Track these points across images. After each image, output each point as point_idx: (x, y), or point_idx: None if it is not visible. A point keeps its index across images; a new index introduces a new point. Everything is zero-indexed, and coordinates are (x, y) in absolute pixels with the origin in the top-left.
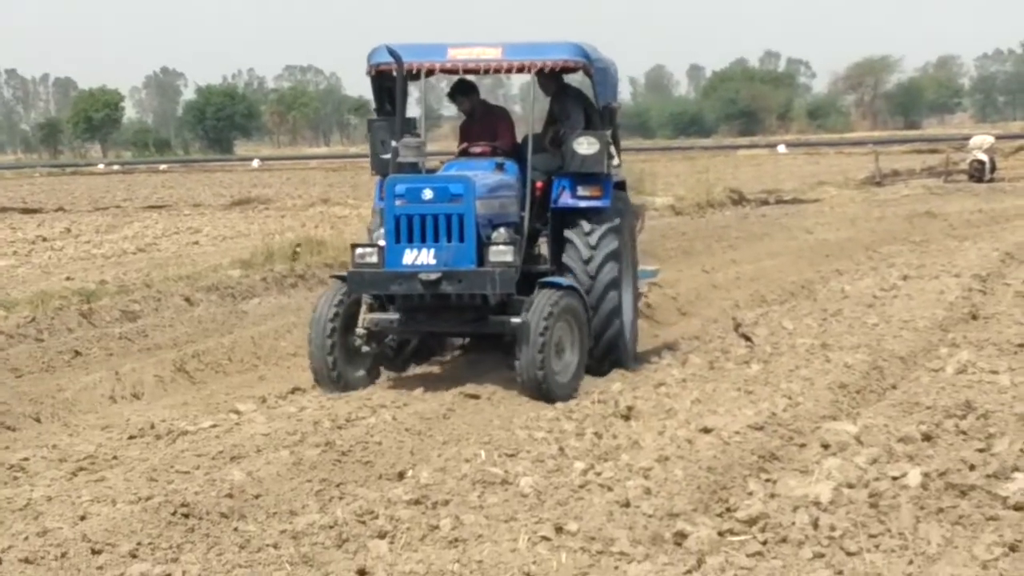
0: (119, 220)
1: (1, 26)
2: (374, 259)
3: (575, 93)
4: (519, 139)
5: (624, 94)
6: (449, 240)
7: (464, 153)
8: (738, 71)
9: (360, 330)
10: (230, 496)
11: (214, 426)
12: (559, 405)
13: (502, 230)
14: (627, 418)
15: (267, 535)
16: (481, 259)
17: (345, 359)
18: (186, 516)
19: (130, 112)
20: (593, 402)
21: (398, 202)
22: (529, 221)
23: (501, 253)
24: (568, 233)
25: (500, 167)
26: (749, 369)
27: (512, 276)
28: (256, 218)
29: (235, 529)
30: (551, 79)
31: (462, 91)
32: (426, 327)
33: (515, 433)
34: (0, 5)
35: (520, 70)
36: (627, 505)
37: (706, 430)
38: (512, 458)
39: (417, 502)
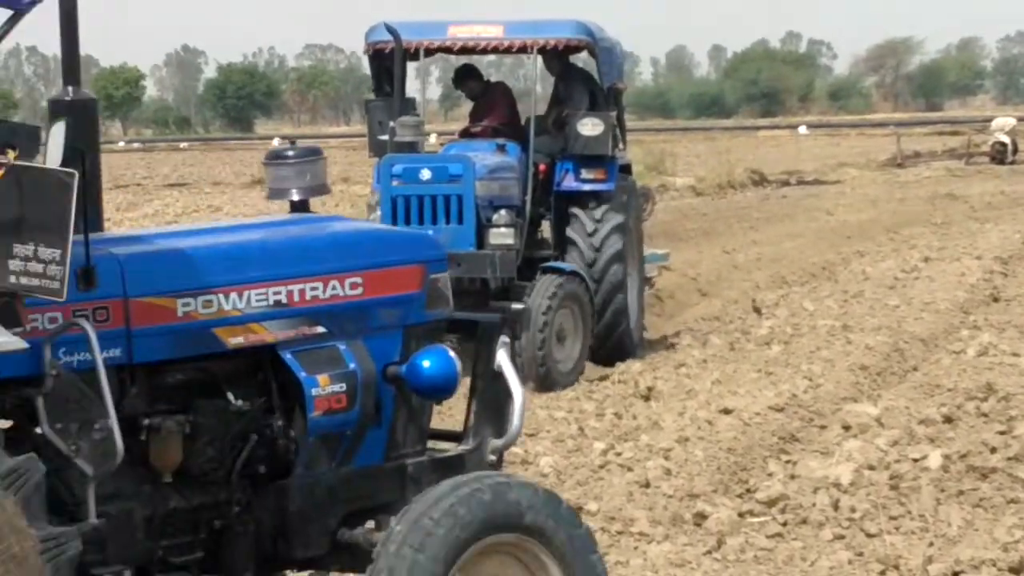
0: (139, 198)
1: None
2: None
3: (580, 73)
4: (521, 117)
5: (645, 74)
6: (448, 222)
7: (465, 134)
8: (759, 52)
9: None
10: None
11: None
12: (579, 386)
13: (503, 212)
14: (647, 399)
15: None
16: (481, 242)
17: None
18: None
19: (151, 90)
20: (613, 382)
21: (395, 182)
22: (531, 204)
23: (501, 236)
24: (573, 209)
25: (501, 148)
26: (770, 350)
27: (513, 259)
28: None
29: None
30: (556, 58)
31: (465, 76)
32: None
33: (535, 412)
34: None
35: (522, 49)
36: (647, 485)
37: (726, 411)
38: (532, 438)
39: None
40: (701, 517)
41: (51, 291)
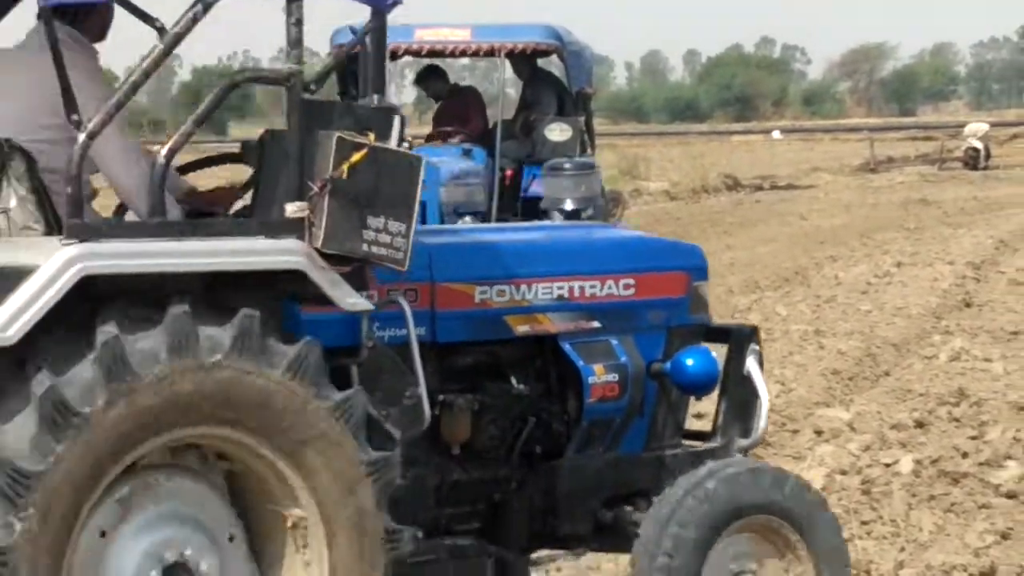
0: (112, 202)
1: None
2: None
3: (548, 78)
4: (490, 123)
5: (619, 79)
6: None
7: (432, 138)
8: (734, 57)
9: None
10: None
11: None
12: None
13: (467, 218)
14: None
15: None
16: None
17: None
18: None
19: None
20: None
21: None
22: (498, 210)
23: None
24: (542, 216)
25: (467, 153)
26: None
27: None
28: None
29: None
30: (524, 62)
31: (427, 76)
32: None
33: None
34: None
35: (489, 53)
36: None
37: (698, 415)
38: None
39: None
40: None
41: (396, 260)
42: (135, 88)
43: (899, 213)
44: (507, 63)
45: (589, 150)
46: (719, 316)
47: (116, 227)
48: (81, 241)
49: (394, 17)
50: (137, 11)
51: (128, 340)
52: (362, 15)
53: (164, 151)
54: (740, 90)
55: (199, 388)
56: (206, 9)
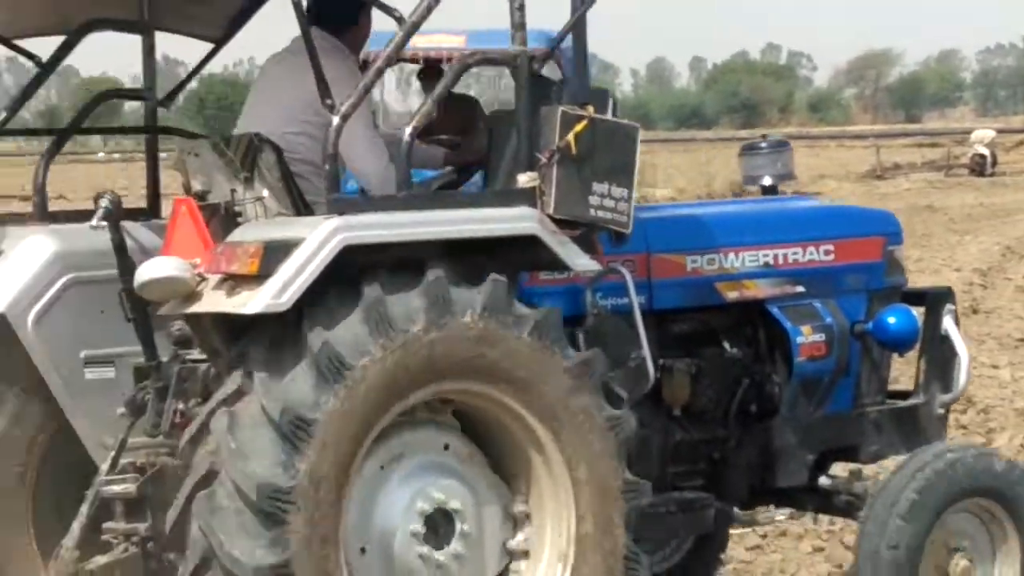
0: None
1: None
2: None
3: (547, 84)
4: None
5: (625, 85)
6: None
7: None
8: (740, 63)
9: None
10: None
11: None
12: None
13: None
14: None
15: None
16: None
17: None
18: None
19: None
20: None
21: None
22: None
23: None
24: None
25: None
26: None
27: None
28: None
29: None
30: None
31: (429, 76)
32: None
33: None
34: None
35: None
36: None
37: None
38: None
39: None
40: None
41: (621, 224)
42: (379, 73)
43: (905, 220)
44: (504, 69)
45: None
46: None
47: (371, 201)
48: (341, 214)
49: (389, 24)
50: (378, 3)
51: (390, 301)
52: (386, 23)
53: (408, 130)
54: (746, 97)
55: (454, 346)
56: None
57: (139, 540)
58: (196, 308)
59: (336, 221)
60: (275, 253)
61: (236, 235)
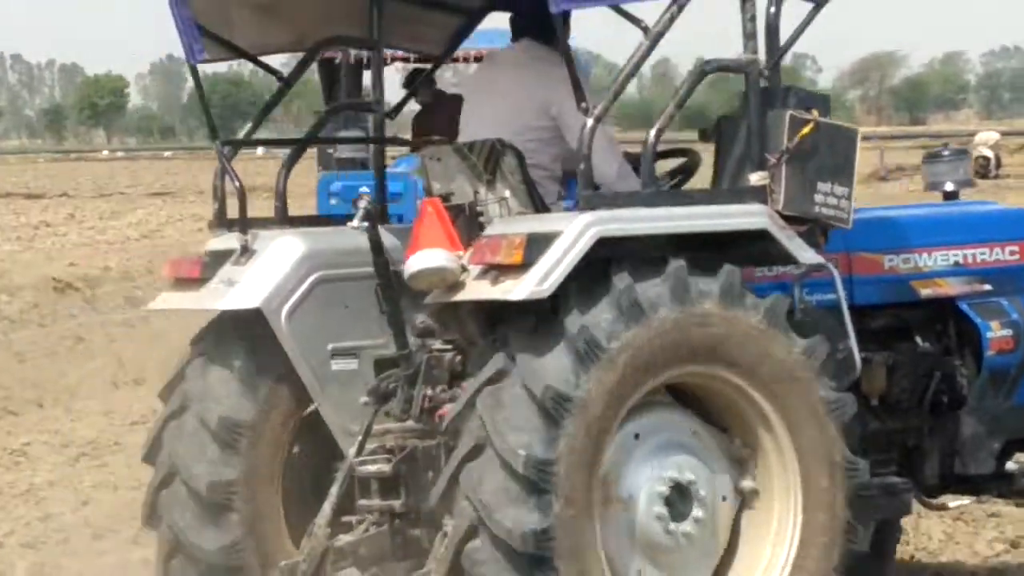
0: (123, 206)
1: (7, 11)
2: None
3: None
4: None
5: (629, 87)
6: None
7: (418, 148)
8: None
9: None
10: None
11: None
12: None
13: None
14: None
15: None
16: None
17: None
18: None
19: (135, 99)
20: None
21: (332, 201)
22: None
23: None
24: None
25: None
26: None
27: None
28: (260, 206)
29: None
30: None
31: (417, 79)
32: None
33: None
34: None
35: (478, 59)
36: None
37: None
38: None
39: None
40: None
41: (842, 220)
42: (627, 79)
43: None
44: None
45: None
46: None
47: (620, 197)
48: (594, 210)
49: None
50: (626, 14)
51: (639, 288)
52: None
53: (653, 133)
54: None
55: (695, 330)
56: (680, 8)
57: (392, 516)
58: (462, 296)
59: (590, 216)
60: (537, 244)
61: (495, 229)
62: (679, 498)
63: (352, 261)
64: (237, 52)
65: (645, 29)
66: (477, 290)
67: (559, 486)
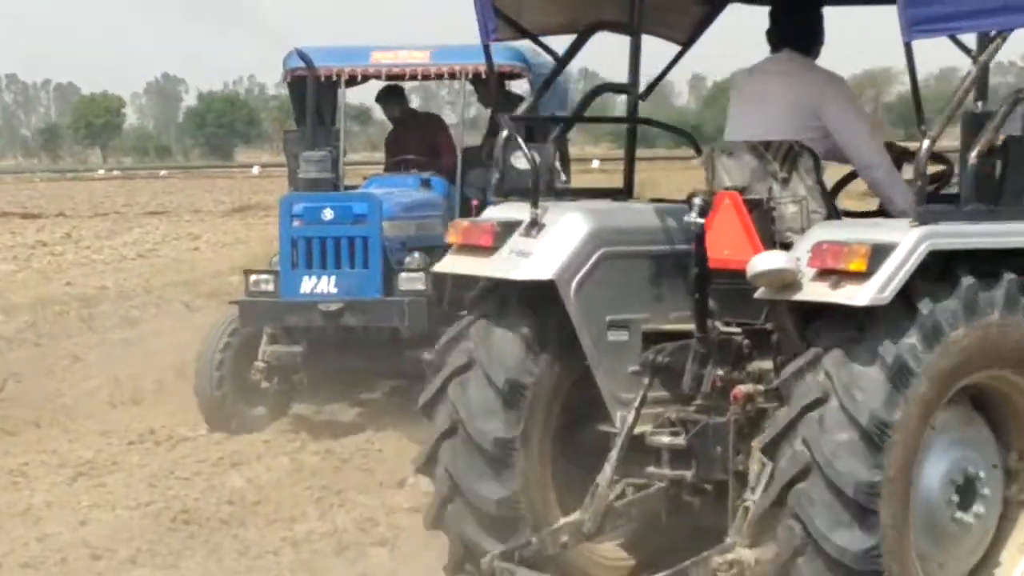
0: (119, 226)
1: (2, 31)
2: (270, 287)
3: (517, 102)
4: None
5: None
6: (352, 266)
7: (393, 168)
8: None
9: (259, 363)
10: (230, 503)
11: (214, 432)
12: None
13: (416, 255)
14: None
15: (267, 542)
16: (390, 287)
17: (239, 395)
18: (186, 522)
19: (131, 118)
20: None
21: (295, 223)
22: None
23: (412, 281)
24: None
25: (426, 183)
26: None
27: (424, 307)
28: (256, 224)
29: (235, 536)
30: (490, 87)
31: (389, 96)
32: (333, 363)
33: None
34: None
35: (452, 75)
36: None
37: None
38: None
39: (417, 510)
40: None
41: None
42: (966, 94)
43: None
44: (468, 86)
45: (563, 177)
46: None
47: (949, 213)
48: (926, 224)
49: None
50: (960, 43)
51: (982, 296)
52: (309, 40)
53: (926, 144)
54: None
55: (1015, 335)
56: (1004, 39)
57: (679, 486)
58: (801, 296)
59: (923, 229)
60: (878, 254)
61: (828, 235)
62: (967, 489)
63: (632, 239)
64: (523, 32)
65: (974, 59)
66: (817, 292)
67: (885, 505)
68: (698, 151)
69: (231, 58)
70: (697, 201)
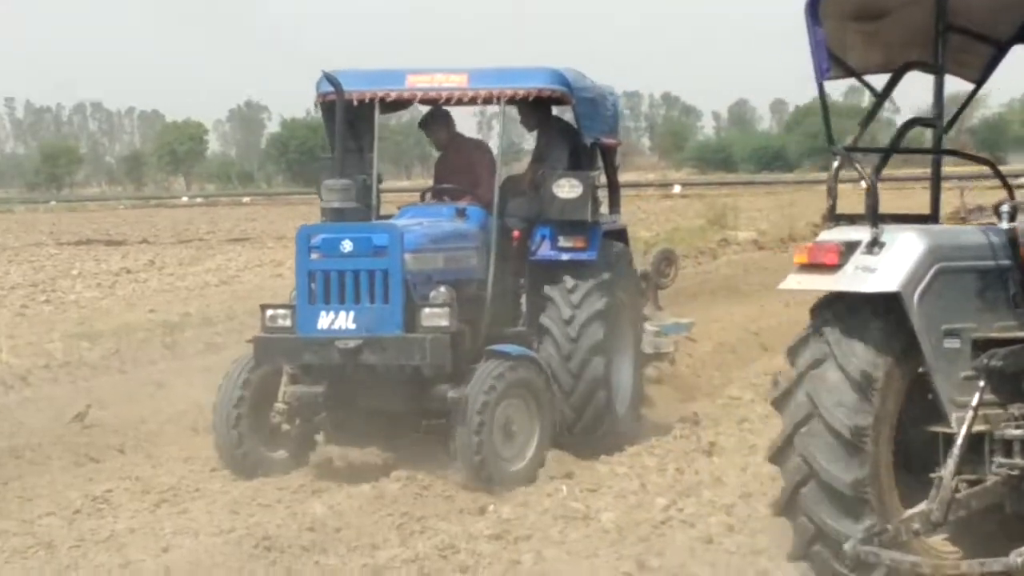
0: (202, 252)
1: (89, 62)
2: (287, 322)
3: (562, 128)
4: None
5: (707, 128)
6: (372, 301)
7: (432, 196)
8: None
9: (279, 405)
10: (311, 529)
11: (295, 459)
12: (643, 440)
13: (443, 289)
14: (709, 454)
15: (348, 569)
16: (412, 323)
17: (259, 437)
18: (268, 549)
19: (214, 145)
20: (675, 437)
21: (313, 255)
22: (505, 275)
23: (434, 316)
24: (548, 290)
25: (461, 213)
26: None
27: (447, 343)
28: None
29: (316, 562)
30: (533, 112)
31: (434, 121)
32: (354, 402)
33: (596, 468)
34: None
35: (487, 100)
36: (710, 542)
37: None
38: (593, 493)
39: (498, 537)
40: (764, 574)
41: None
42: None
43: None
44: (509, 111)
45: (614, 208)
46: None
47: None
48: None
49: (392, 62)
50: None
51: None
52: (341, 64)
53: None
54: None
55: None
56: None
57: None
58: None
59: None
60: None
61: None
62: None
63: (964, 255)
64: (848, 72)
65: None
66: None
67: None
68: (1002, 179)
69: (313, 85)
70: (1005, 209)
